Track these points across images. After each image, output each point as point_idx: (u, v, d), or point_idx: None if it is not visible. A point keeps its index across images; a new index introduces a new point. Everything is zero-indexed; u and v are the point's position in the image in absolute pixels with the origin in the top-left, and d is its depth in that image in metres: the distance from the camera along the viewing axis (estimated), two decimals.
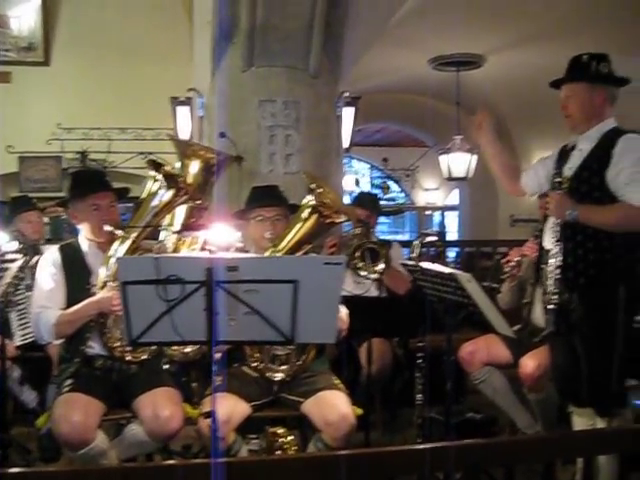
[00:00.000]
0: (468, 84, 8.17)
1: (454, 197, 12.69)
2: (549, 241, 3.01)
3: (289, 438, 2.73)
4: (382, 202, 13.82)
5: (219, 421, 2.74)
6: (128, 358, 2.96)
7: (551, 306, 2.93)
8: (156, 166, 3.03)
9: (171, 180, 2.96)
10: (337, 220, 2.88)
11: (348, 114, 5.12)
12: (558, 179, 2.97)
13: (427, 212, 14.76)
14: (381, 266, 3.83)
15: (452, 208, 13.11)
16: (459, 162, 8.24)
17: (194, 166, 3.63)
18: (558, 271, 2.91)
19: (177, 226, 2.94)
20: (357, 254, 3.89)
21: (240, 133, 4.43)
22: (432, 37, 7.38)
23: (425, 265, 3.22)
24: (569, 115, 3.03)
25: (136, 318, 2.26)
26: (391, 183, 14.16)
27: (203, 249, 3.14)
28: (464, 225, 11.15)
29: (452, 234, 13.10)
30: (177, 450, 3.62)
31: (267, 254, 2.92)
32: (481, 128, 3.32)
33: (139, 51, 7.46)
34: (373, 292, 4.25)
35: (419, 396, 3.54)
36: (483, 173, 8.20)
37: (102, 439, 2.75)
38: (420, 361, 3.56)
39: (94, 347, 2.97)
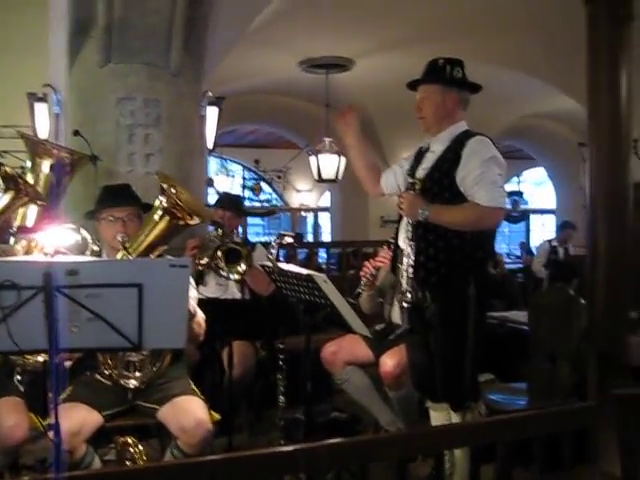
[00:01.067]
0: (337, 86, 8.29)
1: (327, 199, 12.85)
2: (403, 240, 3.07)
3: (139, 448, 2.62)
4: (255, 203, 13.88)
5: (67, 433, 2.62)
6: None
7: (405, 304, 2.99)
8: None
9: (10, 181, 2.80)
10: (190, 222, 2.81)
11: (212, 114, 5.04)
12: (411, 180, 3.04)
13: (302, 213, 14.88)
14: (242, 267, 3.80)
15: (325, 209, 13.28)
16: (329, 164, 8.34)
17: (45, 165, 3.48)
18: (411, 270, 2.96)
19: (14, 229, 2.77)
20: (218, 254, 3.85)
21: (98, 132, 4.25)
22: (301, 39, 7.44)
23: (283, 266, 3.22)
24: (423, 117, 3.11)
25: None
26: (264, 185, 14.16)
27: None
28: (336, 226, 11.31)
29: (326, 235, 13.26)
30: (30, 464, 3.42)
31: (119, 256, 2.81)
32: (347, 125, 3.33)
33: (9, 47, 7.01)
34: (236, 295, 4.22)
35: (281, 398, 3.53)
36: (353, 175, 8.31)
37: None
38: (281, 363, 3.55)
39: None
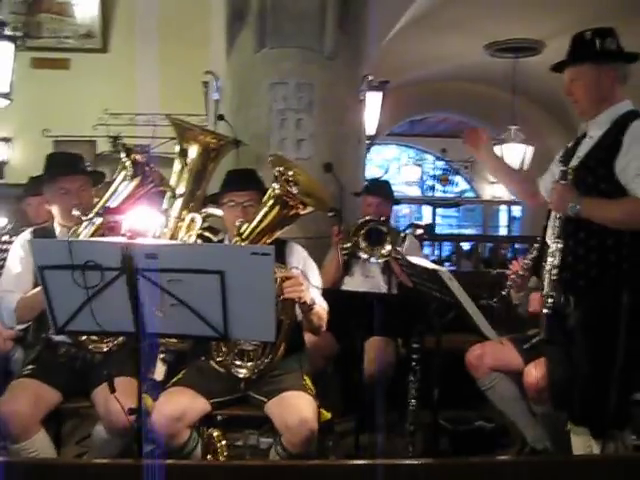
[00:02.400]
0: (525, 71, 7.72)
1: None
2: (549, 237, 2.70)
3: (222, 442, 2.53)
4: (442, 194, 13.44)
5: (168, 417, 2.60)
6: (91, 347, 2.84)
7: (545, 310, 2.62)
8: (127, 152, 2.90)
9: (139, 168, 2.83)
10: (302, 212, 2.66)
11: (374, 99, 4.85)
12: (563, 168, 2.65)
13: (498, 206, 14.25)
14: (385, 249, 3.59)
15: (517, 202, 12.57)
16: (514, 153, 7.82)
17: (192, 150, 3.50)
18: (555, 271, 2.60)
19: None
20: (360, 233, 3.69)
21: (250, 117, 4.26)
22: (487, 22, 7.01)
23: (412, 259, 2.97)
24: (576, 101, 2.71)
25: (58, 305, 2.12)
26: (458, 177, 13.71)
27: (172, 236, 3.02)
28: (526, 220, 10.65)
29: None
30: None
31: (233, 242, 2.73)
32: (482, 140, 3.01)
33: (184, 36, 7.36)
34: (382, 288, 4.02)
35: (412, 401, 3.28)
36: (543, 166, 7.75)
37: (42, 439, 2.63)
38: (414, 363, 3.30)
39: None
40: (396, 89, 8.77)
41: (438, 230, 15.76)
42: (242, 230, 2.72)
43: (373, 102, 4.89)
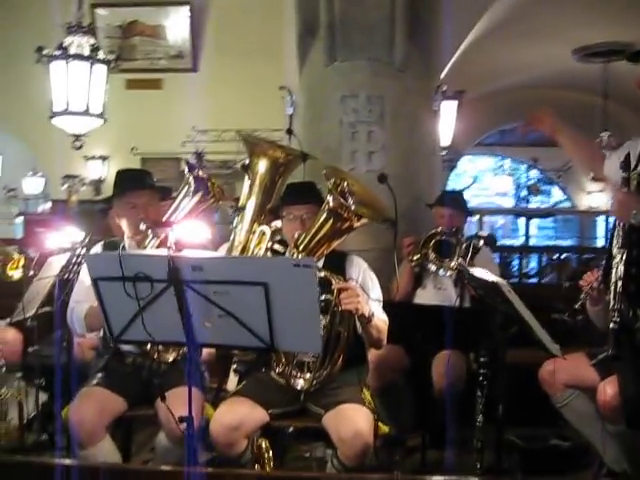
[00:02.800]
0: (617, 75, 7.42)
1: None
2: (615, 247, 2.58)
3: (269, 453, 2.54)
4: (539, 204, 13.02)
5: (226, 427, 2.64)
6: (156, 357, 2.92)
7: (612, 325, 2.50)
8: (189, 168, 2.99)
9: (200, 183, 2.91)
10: (356, 224, 2.65)
11: (449, 109, 4.78)
12: (624, 175, 2.53)
13: (595, 217, 13.70)
14: (456, 262, 3.53)
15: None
16: (607, 161, 7.48)
17: (262, 165, 3.55)
18: (620, 283, 2.47)
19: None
20: (429, 245, 3.65)
21: (322, 130, 4.29)
22: (573, 27, 6.80)
23: (474, 271, 2.89)
24: None
25: (113, 316, 2.20)
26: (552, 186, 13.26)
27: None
28: None
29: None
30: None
31: (290, 254, 2.76)
32: (547, 120, 2.92)
33: (264, 53, 7.51)
34: (453, 300, 3.94)
35: (479, 417, 3.18)
36: None
37: (108, 446, 2.73)
38: (481, 378, 3.20)
39: None
40: (482, 98, 8.64)
41: (534, 242, 15.35)
42: (299, 242, 2.74)
43: (448, 112, 4.81)
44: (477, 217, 13.83)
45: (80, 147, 4.84)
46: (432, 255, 3.70)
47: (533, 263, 11.44)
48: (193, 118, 8.05)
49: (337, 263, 2.91)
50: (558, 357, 3.36)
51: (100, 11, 8.36)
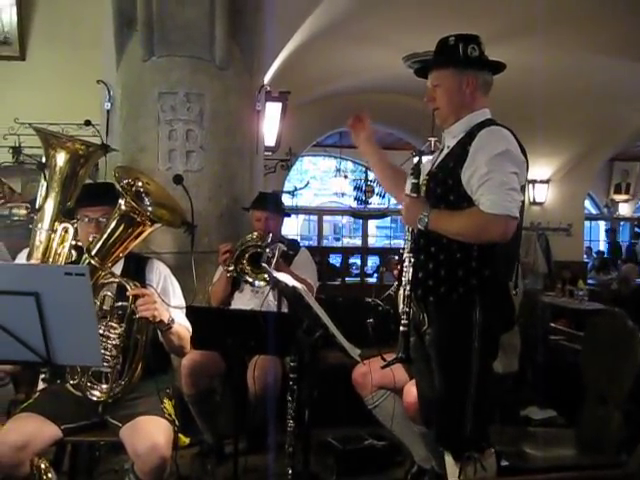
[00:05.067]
0: None
1: None
2: (405, 252, 2.63)
3: (49, 475, 2.40)
4: (371, 206, 13.40)
5: (11, 447, 2.43)
6: None
7: (401, 327, 2.53)
8: None
9: None
10: (147, 230, 2.55)
11: (273, 110, 4.76)
12: (414, 181, 2.58)
13: None
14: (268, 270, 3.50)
15: None
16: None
17: (60, 158, 3.39)
18: (409, 287, 2.51)
19: None
20: (245, 257, 3.61)
21: (139, 127, 4.13)
22: (403, 35, 7.02)
23: (278, 275, 2.87)
24: (437, 107, 2.64)
25: None
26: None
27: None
28: None
29: None
30: None
31: (83, 259, 2.61)
32: (361, 122, 2.90)
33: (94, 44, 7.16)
34: (272, 306, 3.91)
35: (290, 422, 3.17)
36: None
37: None
38: (291, 383, 3.20)
39: None
40: (318, 100, 8.75)
41: (373, 242, 15.81)
42: (91, 247, 2.60)
43: (273, 113, 4.79)
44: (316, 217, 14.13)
45: None
46: (247, 268, 3.67)
47: (371, 262, 11.81)
48: (17, 110, 7.55)
49: (136, 268, 2.80)
50: (372, 359, 3.45)
51: None
